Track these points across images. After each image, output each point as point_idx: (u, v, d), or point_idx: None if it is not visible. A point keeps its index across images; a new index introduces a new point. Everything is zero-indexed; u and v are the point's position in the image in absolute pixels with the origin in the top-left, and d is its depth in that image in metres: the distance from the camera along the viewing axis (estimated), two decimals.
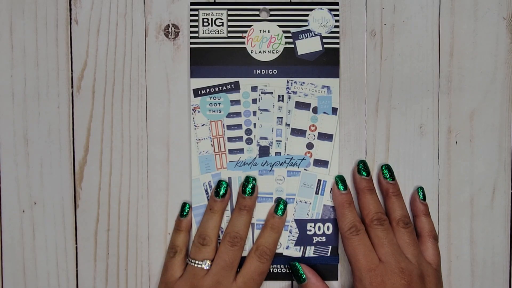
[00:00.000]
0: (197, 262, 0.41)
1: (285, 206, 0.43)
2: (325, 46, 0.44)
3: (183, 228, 0.43)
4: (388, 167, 0.44)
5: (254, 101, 0.44)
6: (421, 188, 0.44)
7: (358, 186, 0.43)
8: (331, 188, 0.44)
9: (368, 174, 0.43)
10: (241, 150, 0.44)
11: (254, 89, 0.44)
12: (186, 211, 0.43)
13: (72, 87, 0.44)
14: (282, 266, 0.44)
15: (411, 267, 0.40)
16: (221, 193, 0.43)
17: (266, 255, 0.41)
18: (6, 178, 0.44)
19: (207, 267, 0.41)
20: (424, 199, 0.44)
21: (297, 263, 0.43)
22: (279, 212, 0.43)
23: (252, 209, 0.43)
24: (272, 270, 0.44)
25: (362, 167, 0.43)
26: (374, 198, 0.43)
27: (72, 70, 0.44)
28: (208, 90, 0.43)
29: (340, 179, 0.43)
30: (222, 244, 0.42)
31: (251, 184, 0.43)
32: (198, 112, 0.43)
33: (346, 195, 0.43)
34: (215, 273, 0.41)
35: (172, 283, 0.42)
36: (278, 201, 0.43)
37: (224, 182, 0.43)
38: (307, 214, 0.44)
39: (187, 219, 0.43)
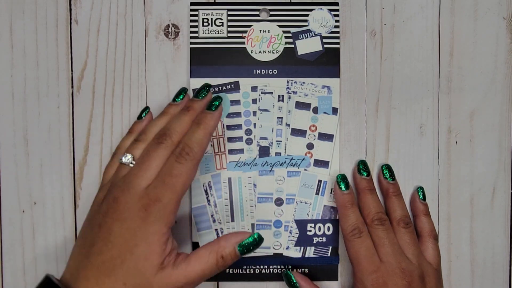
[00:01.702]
0: (122, 156, 0.37)
1: (219, 100, 0.38)
2: (325, 46, 0.44)
3: (135, 131, 0.40)
4: (388, 167, 0.44)
5: (254, 101, 0.44)
6: (421, 188, 0.44)
7: (359, 186, 0.43)
8: (331, 189, 0.44)
9: (368, 174, 0.43)
10: (241, 151, 0.44)
11: (254, 89, 0.44)
12: (143, 115, 0.41)
13: (72, 87, 0.44)
14: (282, 266, 0.44)
15: (412, 267, 0.40)
16: (177, 100, 0.40)
17: (188, 153, 0.35)
18: (6, 178, 0.44)
19: (127, 162, 0.37)
20: (424, 199, 0.44)
21: (288, 272, 0.43)
22: (212, 108, 0.38)
23: (196, 111, 0.38)
24: (272, 271, 0.44)
25: (362, 167, 0.43)
26: (374, 198, 0.42)
27: (72, 70, 0.44)
28: None
29: (342, 179, 0.42)
30: (149, 142, 0.37)
31: (206, 90, 0.39)
32: None
33: (348, 195, 0.42)
34: (130, 172, 0.36)
35: (104, 184, 0.39)
36: (216, 98, 0.38)
37: (185, 90, 0.40)
38: (307, 215, 0.44)
39: (142, 124, 0.41)
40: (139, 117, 0.42)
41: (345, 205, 0.42)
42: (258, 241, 0.36)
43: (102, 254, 0.34)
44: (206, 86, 0.40)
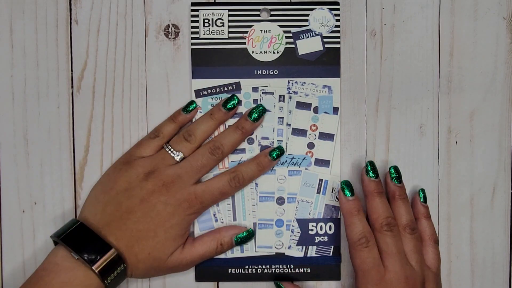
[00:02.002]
0: (172, 150, 0.41)
1: (281, 152, 0.43)
2: (326, 45, 0.44)
3: (178, 121, 0.43)
4: (396, 168, 0.43)
5: (255, 101, 0.44)
6: (422, 190, 0.44)
7: (367, 188, 0.42)
8: (332, 188, 0.44)
9: (377, 175, 0.42)
10: (242, 150, 0.43)
11: (255, 89, 0.44)
12: (190, 108, 0.43)
13: (72, 87, 0.44)
14: (284, 266, 0.44)
15: (415, 274, 0.40)
16: (228, 106, 0.42)
17: (239, 181, 0.41)
18: (6, 178, 0.44)
19: (178, 159, 0.41)
20: (425, 201, 0.43)
21: (278, 283, 0.43)
22: (273, 155, 0.43)
23: (248, 133, 0.43)
24: (274, 271, 0.44)
25: (370, 168, 0.42)
26: (383, 201, 0.41)
27: (72, 70, 0.44)
28: (209, 91, 0.43)
29: (346, 185, 0.41)
30: (202, 147, 0.42)
31: (259, 110, 0.43)
32: (200, 112, 0.43)
33: (354, 202, 0.41)
34: (182, 167, 0.41)
35: (137, 157, 0.42)
36: (279, 148, 0.43)
37: (236, 98, 0.43)
38: (309, 214, 0.44)
39: (186, 117, 0.43)
40: (184, 109, 0.43)
41: (351, 212, 0.40)
42: (251, 235, 0.43)
43: (139, 223, 0.40)
44: (261, 106, 0.43)
